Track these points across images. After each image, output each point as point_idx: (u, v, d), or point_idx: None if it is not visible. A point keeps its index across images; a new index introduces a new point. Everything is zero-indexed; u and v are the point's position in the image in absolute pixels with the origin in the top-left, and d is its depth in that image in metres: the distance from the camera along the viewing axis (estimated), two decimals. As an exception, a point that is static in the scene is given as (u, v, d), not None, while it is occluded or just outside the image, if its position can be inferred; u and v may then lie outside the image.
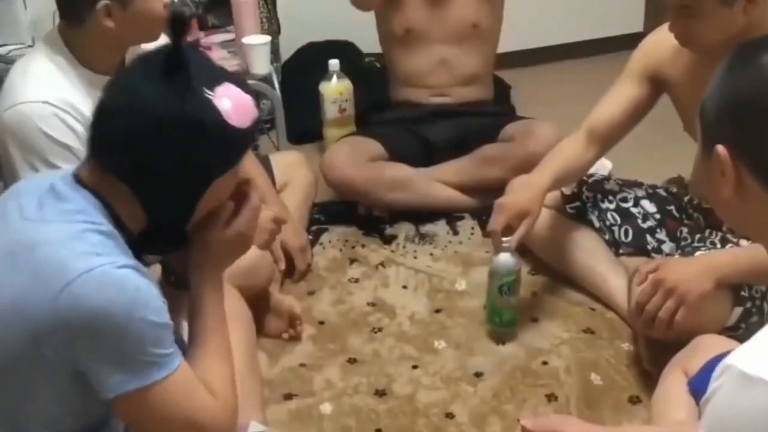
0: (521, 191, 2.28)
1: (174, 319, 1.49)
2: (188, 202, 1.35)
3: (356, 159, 2.82)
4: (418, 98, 3.00)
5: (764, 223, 1.15)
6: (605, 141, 2.33)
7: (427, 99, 3.00)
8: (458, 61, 2.96)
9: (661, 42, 2.17)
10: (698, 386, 1.59)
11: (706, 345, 1.72)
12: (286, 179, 2.67)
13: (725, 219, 1.32)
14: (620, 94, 2.30)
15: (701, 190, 1.26)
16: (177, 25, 1.29)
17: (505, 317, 2.30)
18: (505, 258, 2.22)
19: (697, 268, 1.98)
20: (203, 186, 1.33)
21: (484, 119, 2.98)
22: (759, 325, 1.61)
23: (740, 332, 2.06)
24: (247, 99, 1.33)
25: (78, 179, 1.33)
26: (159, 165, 1.28)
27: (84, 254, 1.23)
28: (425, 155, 2.92)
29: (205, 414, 1.34)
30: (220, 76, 1.32)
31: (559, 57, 4.08)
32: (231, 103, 1.29)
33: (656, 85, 2.24)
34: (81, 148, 1.92)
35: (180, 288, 1.50)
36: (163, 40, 2.23)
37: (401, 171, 2.85)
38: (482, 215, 2.88)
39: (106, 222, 1.29)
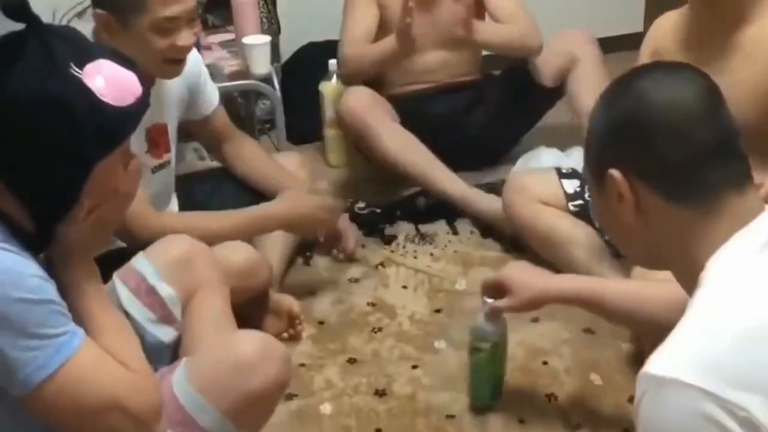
0: None
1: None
2: (69, 193, 1.24)
3: (371, 107, 2.87)
4: (415, 89, 3.05)
5: (671, 240, 1.17)
6: None
7: (423, 88, 3.06)
8: (451, 62, 3.04)
9: (658, 27, 2.22)
10: None
11: None
12: None
13: (628, 251, 1.34)
14: None
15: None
16: (10, 10, 1.20)
17: (492, 393, 2.05)
18: (489, 325, 1.96)
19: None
20: (82, 173, 1.23)
21: (484, 91, 3.10)
22: None
23: None
24: (126, 75, 1.24)
25: None
26: (29, 155, 1.19)
27: None
28: (434, 135, 2.94)
29: (123, 389, 1.26)
30: (92, 53, 1.23)
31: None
32: (105, 81, 1.21)
33: None
34: None
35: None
36: (178, 81, 2.17)
37: (412, 136, 2.90)
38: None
39: None
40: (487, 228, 2.81)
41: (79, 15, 3.09)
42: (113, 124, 1.23)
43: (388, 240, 2.81)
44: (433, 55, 3.01)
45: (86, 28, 3.01)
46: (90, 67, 1.21)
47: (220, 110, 2.44)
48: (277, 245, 2.47)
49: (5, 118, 1.18)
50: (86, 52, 1.23)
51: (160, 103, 2.17)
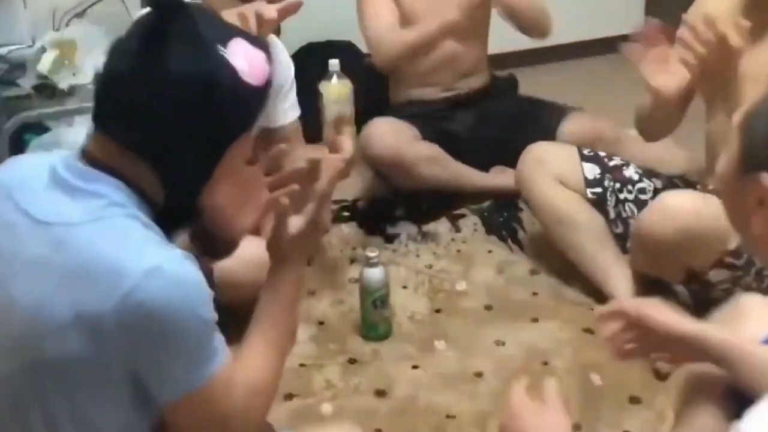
0: None
1: None
2: (206, 169, 1.26)
3: (398, 133, 2.85)
4: (427, 96, 3.02)
5: None
6: None
7: (437, 95, 3.02)
8: (461, 56, 3.00)
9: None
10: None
11: (748, 307, 1.55)
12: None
13: (747, 243, 1.24)
14: None
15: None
16: None
17: (381, 329, 2.35)
18: (375, 273, 2.30)
19: None
20: (221, 149, 1.25)
21: (494, 102, 3.06)
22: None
23: (742, 262, 2.04)
24: (261, 56, 1.26)
25: (88, 158, 1.23)
26: (177, 131, 1.21)
27: (135, 253, 1.15)
28: (452, 148, 2.94)
29: (236, 413, 1.27)
30: (231, 32, 1.26)
31: (559, 57, 4.08)
32: (245, 60, 1.23)
33: None
34: None
35: (206, 255, 1.43)
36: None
37: (436, 148, 2.90)
38: (484, 212, 2.90)
39: (132, 205, 1.21)
40: (491, 226, 2.83)
41: (79, 15, 3.09)
42: (252, 104, 1.26)
43: (390, 239, 2.81)
44: (441, 48, 2.96)
45: (86, 28, 3.01)
46: (232, 46, 1.22)
47: (290, 129, 2.43)
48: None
49: (157, 100, 1.20)
50: (226, 32, 1.25)
51: None
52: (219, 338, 1.25)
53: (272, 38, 2.32)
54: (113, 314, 1.13)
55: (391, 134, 2.84)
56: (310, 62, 3.43)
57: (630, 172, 2.40)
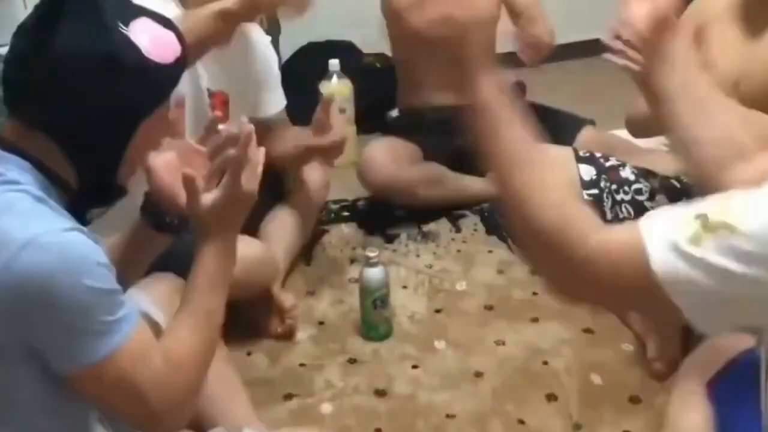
0: None
1: (145, 261, 1.48)
2: (115, 149, 1.27)
3: (396, 158, 2.83)
4: (440, 102, 2.98)
5: None
6: None
7: (450, 101, 2.97)
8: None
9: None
10: (719, 393, 1.42)
11: (724, 345, 1.62)
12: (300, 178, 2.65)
13: None
14: None
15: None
16: None
17: (381, 330, 2.35)
18: (375, 273, 2.30)
19: None
20: (129, 129, 1.26)
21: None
22: None
23: None
24: (168, 34, 1.28)
25: None
26: (79, 110, 1.22)
27: (15, 226, 1.14)
28: (458, 160, 2.92)
29: (153, 386, 1.24)
30: (136, 11, 1.27)
31: (559, 57, 4.07)
32: (148, 37, 1.24)
33: None
34: None
35: (162, 231, 1.47)
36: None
37: (435, 168, 2.89)
38: (484, 212, 2.90)
39: (34, 183, 1.20)
40: (491, 226, 2.82)
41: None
42: (159, 82, 1.27)
43: (390, 239, 2.81)
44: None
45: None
46: (135, 25, 1.24)
47: (277, 120, 2.43)
48: (282, 244, 2.47)
49: (55, 78, 1.21)
50: (129, 11, 1.26)
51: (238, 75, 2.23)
52: (125, 309, 1.22)
53: (256, 30, 2.32)
54: None
55: (388, 161, 2.80)
56: (310, 62, 3.44)
57: (626, 172, 2.41)
